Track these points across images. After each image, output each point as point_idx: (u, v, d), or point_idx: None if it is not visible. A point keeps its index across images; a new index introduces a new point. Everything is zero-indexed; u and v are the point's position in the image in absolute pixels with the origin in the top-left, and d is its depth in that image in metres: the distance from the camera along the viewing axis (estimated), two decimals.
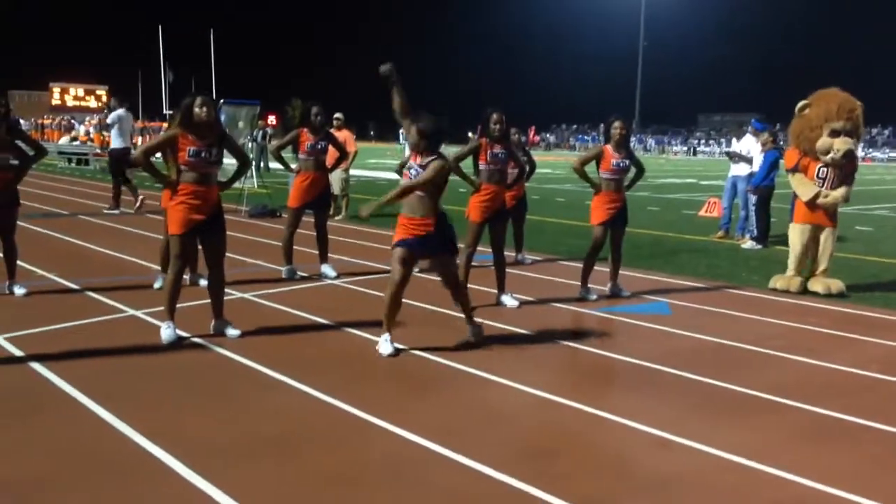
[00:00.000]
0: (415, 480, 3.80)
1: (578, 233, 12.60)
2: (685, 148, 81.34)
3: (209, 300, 6.22)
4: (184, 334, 6.02)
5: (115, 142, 15.11)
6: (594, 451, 4.28)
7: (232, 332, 6.10)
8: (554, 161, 41.66)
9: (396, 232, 5.90)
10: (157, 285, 7.68)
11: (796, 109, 8.77)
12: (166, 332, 5.93)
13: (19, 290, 7.29)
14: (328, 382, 5.10)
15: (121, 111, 15.12)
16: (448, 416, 4.69)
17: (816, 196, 8.50)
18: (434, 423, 4.49)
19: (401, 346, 5.95)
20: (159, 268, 7.73)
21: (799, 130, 8.73)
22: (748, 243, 12.12)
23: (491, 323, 6.83)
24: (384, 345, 5.81)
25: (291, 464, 3.95)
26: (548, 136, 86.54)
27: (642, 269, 9.63)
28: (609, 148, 7.78)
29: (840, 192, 8.51)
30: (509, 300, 7.52)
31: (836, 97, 8.60)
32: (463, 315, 6.26)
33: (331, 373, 5.39)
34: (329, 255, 8.81)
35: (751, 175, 12.53)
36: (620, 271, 8.20)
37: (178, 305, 6.08)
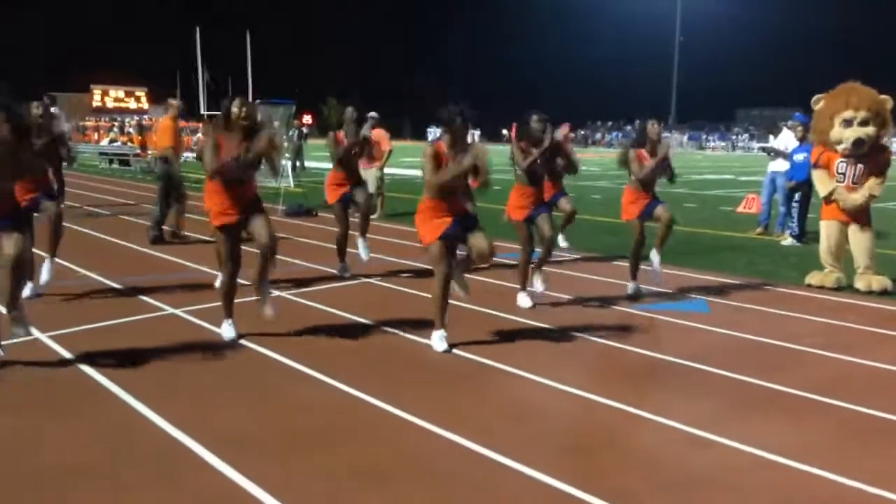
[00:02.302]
0: (448, 477, 3.82)
1: (613, 230, 12.54)
2: (723, 143, 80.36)
3: (249, 298, 6.29)
4: (236, 332, 6.12)
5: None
6: (630, 448, 4.27)
7: (268, 311, 6.13)
8: (589, 158, 41.44)
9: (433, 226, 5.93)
10: (217, 284, 7.79)
11: (812, 104, 8.76)
12: (227, 330, 6.07)
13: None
14: (363, 379, 5.14)
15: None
16: (482, 412, 4.70)
17: (832, 194, 8.46)
18: (468, 420, 4.51)
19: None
20: (198, 266, 7.84)
21: (815, 125, 8.74)
22: (788, 240, 11.96)
23: (526, 321, 6.85)
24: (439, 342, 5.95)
25: (325, 458, 3.99)
26: (584, 132, 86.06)
27: (680, 266, 9.55)
28: (644, 151, 7.77)
29: (859, 195, 8.39)
30: (538, 285, 7.48)
31: (849, 89, 8.61)
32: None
33: (366, 369, 5.44)
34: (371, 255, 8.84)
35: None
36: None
37: (214, 304, 6.15)
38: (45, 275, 7.16)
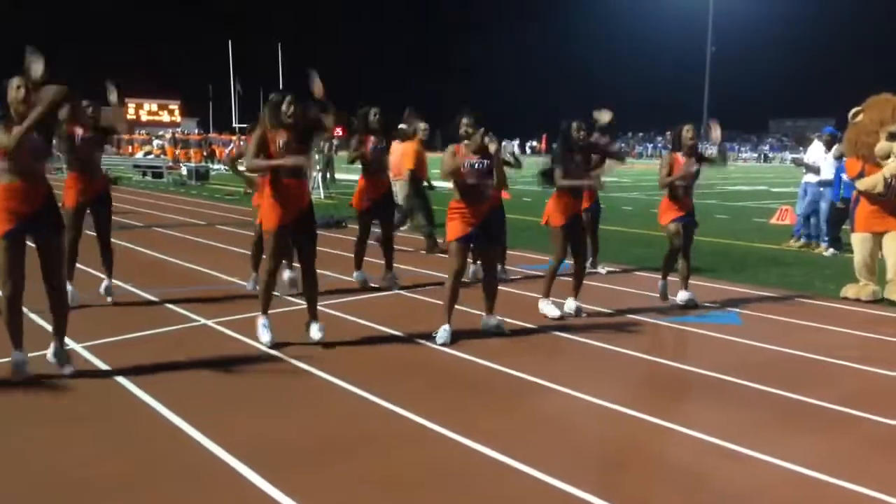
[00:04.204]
0: (477, 489, 3.82)
1: (645, 241, 12.47)
2: (755, 154, 79.62)
3: (285, 309, 6.35)
4: (256, 343, 6.16)
5: None
6: (662, 463, 4.23)
7: (315, 332, 6.25)
8: (620, 169, 41.27)
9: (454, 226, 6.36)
10: (248, 287, 7.86)
11: (849, 116, 8.63)
12: (264, 335, 6.15)
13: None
14: (392, 390, 5.15)
15: None
16: (511, 424, 4.69)
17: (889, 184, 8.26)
18: (497, 432, 4.50)
19: (468, 356, 6.00)
20: (231, 278, 7.90)
21: (855, 137, 8.59)
22: (828, 251, 11.83)
23: (556, 332, 6.82)
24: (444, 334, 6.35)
25: (355, 469, 4.00)
26: (618, 143, 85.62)
27: (712, 278, 9.47)
28: (679, 155, 7.77)
29: None
30: (572, 306, 7.48)
31: (891, 101, 8.45)
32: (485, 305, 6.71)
33: (395, 380, 5.45)
34: (394, 264, 8.88)
35: (822, 183, 12.23)
36: (690, 280, 8.09)
37: (246, 315, 6.21)
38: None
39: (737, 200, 23.46)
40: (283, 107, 5.98)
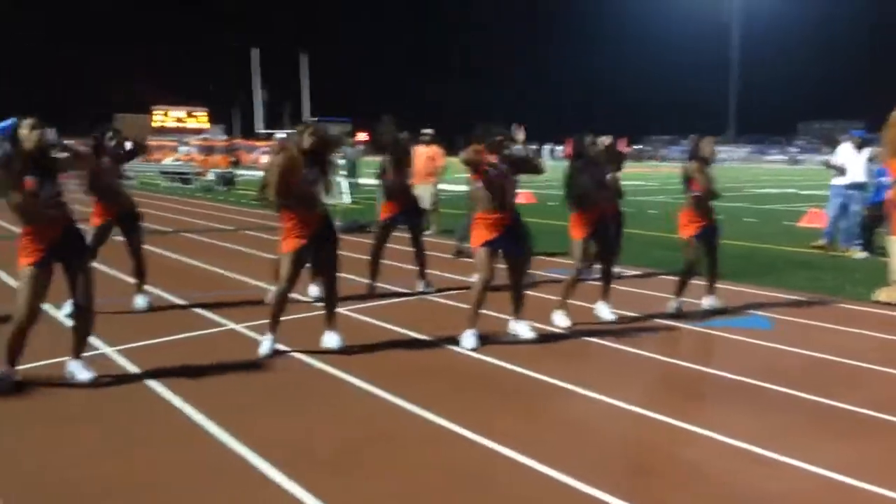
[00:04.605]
0: (498, 490, 3.82)
1: (665, 244, 12.38)
2: (784, 157, 78.85)
3: (310, 313, 6.38)
4: (283, 347, 6.19)
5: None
6: (689, 467, 4.21)
7: (331, 340, 6.28)
8: (645, 173, 41.06)
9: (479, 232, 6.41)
10: (268, 299, 7.88)
11: (891, 119, 8.50)
12: (265, 344, 6.13)
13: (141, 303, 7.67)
14: (415, 393, 5.17)
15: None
16: (537, 427, 4.69)
17: None
18: (522, 435, 4.49)
19: (491, 359, 6.00)
20: (257, 282, 7.96)
21: (893, 139, 8.45)
22: (860, 254, 11.69)
23: (582, 337, 6.81)
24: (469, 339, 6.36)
25: (381, 472, 4.02)
26: (641, 147, 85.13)
27: (740, 282, 9.39)
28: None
29: None
30: (606, 312, 7.46)
31: None
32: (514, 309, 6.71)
33: (421, 384, 5.46)
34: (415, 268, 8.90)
35: (851, 186, 12.09)
36: (717, 284, 8.03)
37: (280, 318, 6.25)
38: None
39: (765, 203, 23.24)
40: (305, 137, 6.03)
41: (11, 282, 8.71)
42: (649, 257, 11.32)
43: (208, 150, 44.76)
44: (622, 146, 8.54)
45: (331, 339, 6.27)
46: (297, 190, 5.99)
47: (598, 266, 7.74)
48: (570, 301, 7.27)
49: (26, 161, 5.13)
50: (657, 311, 7.79)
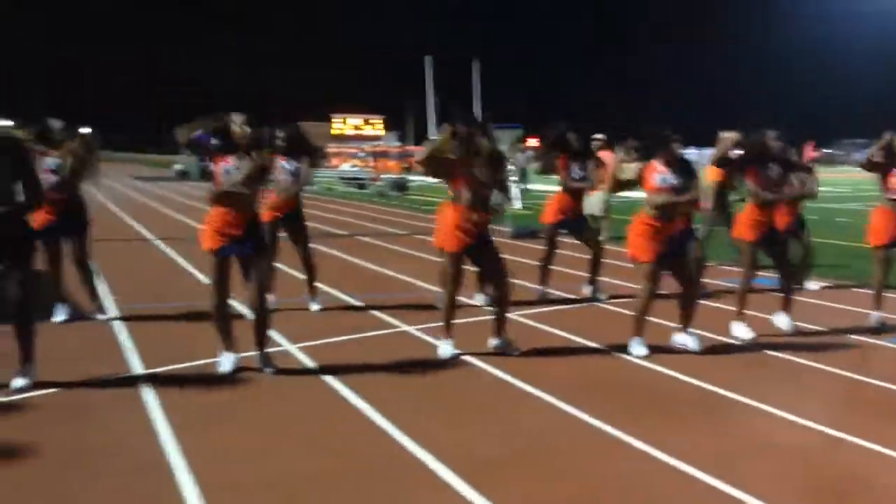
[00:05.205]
0: None
1: (861, 254, 11.55)
2: None
3: (482, 317, 6.43)
4: (456, 350, 6.28)
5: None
6: (886, 493, 3.90)
7: (496, 343, 6.31)
8: (835, 178, 38.59)
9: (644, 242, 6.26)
10: (440, 304, 8.03)
11: None
12: (444, 348, 6.23)
13: (315, 306, 7.98)
14: (589, 402, 5.09)
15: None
16: (718, 444, 4.50)
17: None
18: (703, 452, 4.33)
19: (663, 369, 5.84)
20: (430, 286, 8.11)
21: None
22: None
23: (765, 351, 6.49)
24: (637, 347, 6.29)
25: (553, 480, 3.99)
26: (832, 150, 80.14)
27: None
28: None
29: None
30: (785, 323, 7.08)
31: None
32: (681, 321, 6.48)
33: (591, 392, 5.38)
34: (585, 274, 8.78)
35: None
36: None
37: (453, 321, 6.35)
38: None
39: None
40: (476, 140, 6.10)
41: (203, 278, 9.36)
42: (845, 269, 10.64)
43: (382, 156, 46.28)
44: (809, 150, 8.05)
45: (500, 344, 6.30)
46: (470, 184, 6.05)
47: (775, 275, 7.34)
48: (748, 311, 6.94)
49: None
50: (844, 325, 7.30)
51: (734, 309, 7.02)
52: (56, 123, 7.29)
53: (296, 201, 7.91)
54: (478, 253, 6.23)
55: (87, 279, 7.48)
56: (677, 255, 6.40)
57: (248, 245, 5.64)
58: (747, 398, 5.24)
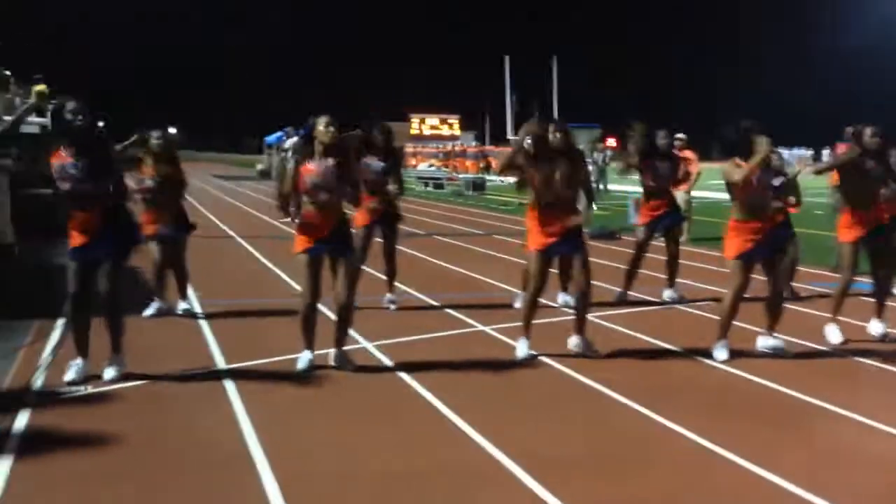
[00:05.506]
0: None
1: None
2: None
3: (560, 318, 6.39)
4: (533, 352, 6.25)
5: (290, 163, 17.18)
6: None
7: (576, 342, 6.28)
8: None
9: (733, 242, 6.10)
10: (517, 304, 8.01)
11: None
12: (521, 348, 6.21)
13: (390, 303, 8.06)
14: (670, 407, 5.00)
15: (297, 138, 16.94)
16: (808, 455, 4.36)
17: None
18: (791, 461, 4.20)
19: (745, 374, 5.70)
20: (506, 286, 8.10)
21: None
22: None
23: (853, 357, 6.27)
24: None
25: (632, 484, 3.94)
26: None
27: None
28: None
29: None
30: (879, 329, 6.81)
31: None
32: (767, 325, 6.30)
33: (673, 397, 5.28)
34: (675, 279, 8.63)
35: None
36: None
37: (519, 324, 6.32)
38: None
39: None
40: (550, 134, 6.07)
41: (285, 276, 9.54)
42: None
43: (459, 156, 46.42)
44: None
45: (579, 344, 6.25)
46: (549, 184, 6.02)
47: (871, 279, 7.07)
48: (842, 318, 6.71)
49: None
50: None
51: (826, 314, 6.79)
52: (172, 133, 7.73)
53: (393, 202, 8.00)
54: (565, 252, 6.19)
55: (182, 277, 7.75)
56: (770, 255, 6.21)
57: (336, 245, 5.73)
58: (834, 406, 5.07)
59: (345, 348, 5.91)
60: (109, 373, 5.52)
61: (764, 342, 6.32)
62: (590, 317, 7.49)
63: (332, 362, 5.83)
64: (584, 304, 6.25)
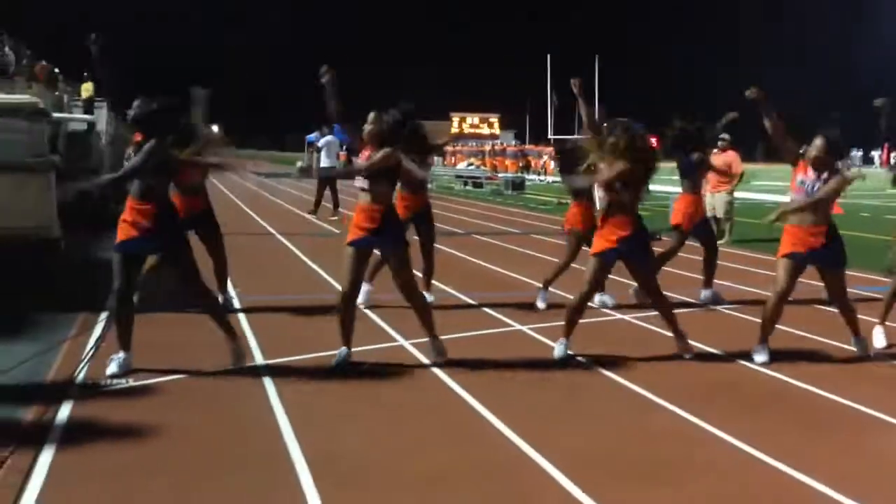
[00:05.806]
0: None
1: None
2: None
3: (597, 319, 6.33)
4: (570, 352, 6.21)
5: (324, 161, 17.87)
6: None
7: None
8: None
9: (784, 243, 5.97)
10: (540, 305, 7.97)
11: None
12: (559, 349, 6.17)
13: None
14: (711, 411, 4.93)
15: (329, 137, 17.56)
16: (851, 461, 4.28)
17: None
18: (828, 466, 4.12)
19: (786, 378, 5.60)
20: (539, 286, 8.06)
21: None
22: None
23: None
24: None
25: (670, 487, 3.90)
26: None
27: None
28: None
29: None
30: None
31: None
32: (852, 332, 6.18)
33: (713, 402, 5.21)
34: (713, 280, 8.52)
35: None
36: None
37: (556, 324, 6.28)
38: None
39: None
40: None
41: (325, 274, 9.59)
42: None
43: (499, 154, 46.30)
44: None
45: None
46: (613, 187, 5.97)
47: None
48: (889, 323, 6.56)
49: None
50: None
51: (869, 318, 6.65)
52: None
53: (426, 200, 8.03)
54: (627, 258, 6.17)
55: (222, 271, 7.88)
56: (820, 261, 6.02)
57: (384, 238, 5.77)
58: (878, 411, 4.96)
59: (437, 335, 5.98)
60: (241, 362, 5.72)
61: (856, 344, 6.25)
62: (626, 317, 7.44)
63: (429, 352, 5.96)
64: (669, 312, 6.26)
